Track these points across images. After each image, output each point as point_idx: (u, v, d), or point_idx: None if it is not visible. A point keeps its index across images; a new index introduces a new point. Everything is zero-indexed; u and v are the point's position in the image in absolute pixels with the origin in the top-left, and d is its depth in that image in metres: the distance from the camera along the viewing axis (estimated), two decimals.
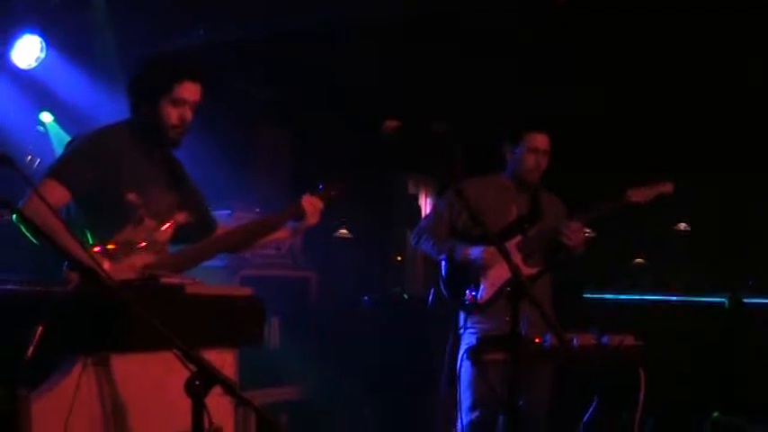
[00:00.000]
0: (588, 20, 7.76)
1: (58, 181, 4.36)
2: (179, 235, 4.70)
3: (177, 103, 4.56)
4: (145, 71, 4.66)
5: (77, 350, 3.40)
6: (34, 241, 4.14)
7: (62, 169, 4.43)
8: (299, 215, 4.88)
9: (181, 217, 4.68)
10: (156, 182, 4.62)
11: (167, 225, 4.61)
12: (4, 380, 3.25)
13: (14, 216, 3.78)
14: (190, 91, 4.59)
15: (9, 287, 3.78)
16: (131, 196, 4.47)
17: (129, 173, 4.51)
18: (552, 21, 7.72)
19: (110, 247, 4.36)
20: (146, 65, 4.69)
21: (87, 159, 4.47)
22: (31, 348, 3.29)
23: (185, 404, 2.98)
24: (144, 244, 4.49)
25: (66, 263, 3.64)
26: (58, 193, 4.33)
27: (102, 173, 4.44)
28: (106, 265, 4.15)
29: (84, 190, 4.41)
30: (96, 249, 4.27)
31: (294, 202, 4.88)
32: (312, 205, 4.88)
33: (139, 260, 4.41)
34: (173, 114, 4.57)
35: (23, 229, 4.10)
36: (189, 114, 4.61)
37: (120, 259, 4.34)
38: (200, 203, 4.90)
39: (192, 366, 2.97)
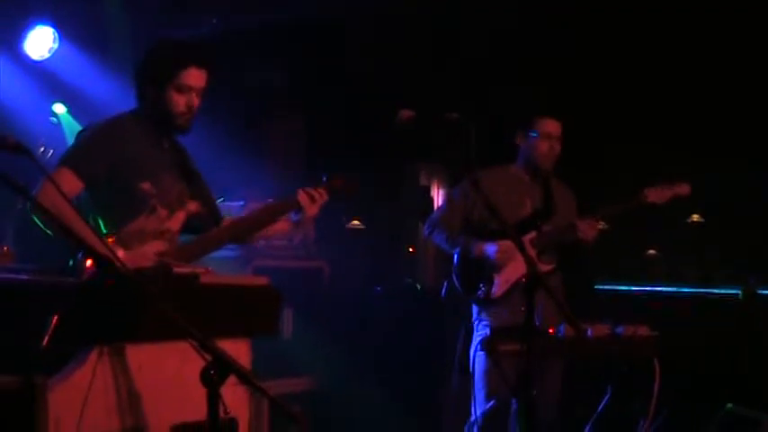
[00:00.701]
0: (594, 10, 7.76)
1: (70, 170, 4.37)
2: (189, 224, 4.71)
3: (183, 89, 4.56)
4: (149, 57, 4.65)
5: (93, 340, 3.40)
6: (47, 231, 4.17)
7: (74, 158, 4.45)
8: (296, 207, 4.85)
9: (192, 206, 4.69)
10: (166, 171, 4.63)
11: (180, 214, 4.62)
12: (20, 369, 3.26)
13: (29, 205, 3.80)
14: (195, 77, 4.58)
15: (24, 277, 3.78)
16: (145, 185, 4.47)
17: (141, 162, 4.52)
18: (558, 19, 7.72)
19: (123, 235, 4.37)
20: (150, 51, 4.68)
21: (99, 148, 4.48)
22: (46, 338, 3.30)
23: (200, 393, 2.98)
24: (157, 232, 4.50)
25: (80, 252, 3.63)
26: (70, 182, 4.34)
27: (114, 162, 4.45)
28: (120, 252, 4.16)
29: (97, 179, 4.42)
30: (110, 239, 4.28)
31: (288, 197, 4.86)
32: (310, 197, 4.83)
33: (152, 248, 4.43)
34: (180, 101, 4.57)
35: (36, 219, 4.13)
36: (196, 101, 4.61)
37: (134, 247, 4.35)
38: (208, 194, 4.90)
39: (207, 356, 2.97)
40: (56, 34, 7.82)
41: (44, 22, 7.75)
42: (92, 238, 3.79)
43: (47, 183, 4.07)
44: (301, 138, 10.23)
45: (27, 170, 3.95)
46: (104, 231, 4.39)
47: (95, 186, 4.45)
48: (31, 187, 4.09)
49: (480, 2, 7.88)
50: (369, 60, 8.84)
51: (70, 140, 8.12)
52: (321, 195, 4.88)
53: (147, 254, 4.36)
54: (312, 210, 4.85)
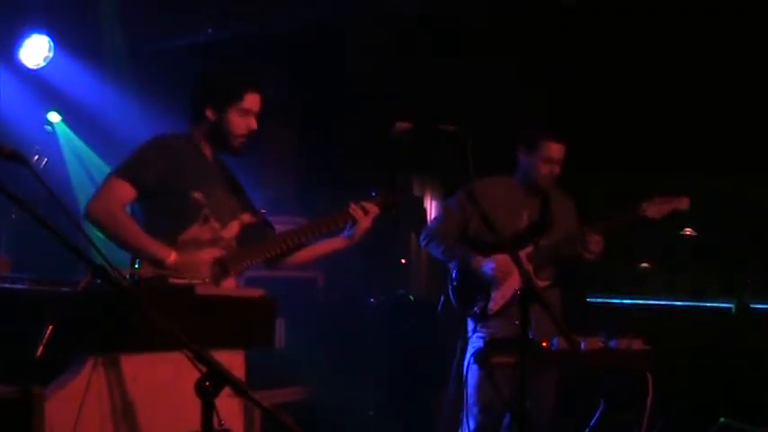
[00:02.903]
0: (593, 20, 7.76)
1: (124, 179, 4.46)
2: (244, 235, 4.79)
3: (245, 112, 4.67)
4: (213, 80, 4.77)
5: (88, 349, 3.40)
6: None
7: (128, 168, 4.54)
8: (348, 221, 4.94)
9: (246, 217, 4.80)
10: (218, 185, 4.74)
11: (233, 224, 4.72)
12: (16, 378, 3.25)
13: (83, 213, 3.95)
14: (256, 101, 4.72)
15: (19, 286, 3.78)
16: (197, 195, 4.57)
17: (194, 173, 4.64)
18: (557, 23, 7.72)
19: (179, 243, 4.48)
20: (212, 74, 4.81)
21: (152, 159, 4.58)
22: (41, 347, 3.30)
23: (195, 404, 2.98)
24: (212, 241, 4.60)
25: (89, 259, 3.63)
26: (123, 192, 4.47)
27: (167, 172, 4.55)
28: (173, 256, 4.26)
29: (150, 188, 4.51)
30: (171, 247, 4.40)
31: (340, 210, 4.94)
32: (362, 209, 4.93)
33: (208, 255, 4.54)
34: (240, 124, 4.69)
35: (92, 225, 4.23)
36: (254, 124, 4.73)
37: (190, 253, 4.40)
38: (256, 209, 4.95)
39: (202, 367, 2.97)
40: (51, 43, 7.83)
41: (39, 31, 7.76)
42: (147, 242, 3.97)
43: (101, 192, 4.37)
44: (295, 149, 10.23)
45: (23, 178, 3.97)
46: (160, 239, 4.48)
47: (148, 195, 4.54)
48: (28, 195, 4.11)
49: (477, 14, 7.88)
50: (363, 71, 8.84)
51: (65, 149, 8.17)
52: (372, 209, 4.91)
53: (202, 260, 4.49)
54: (366, 222, 4.94)
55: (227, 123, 4.66)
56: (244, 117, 4.67)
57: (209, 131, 4.71)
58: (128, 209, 4.54)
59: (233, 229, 4.72)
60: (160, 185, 4.51)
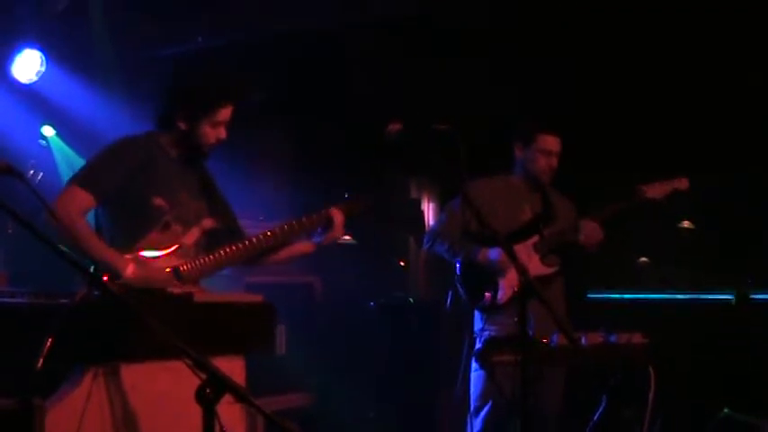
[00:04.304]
0: (589, 18, 7.77)
1: (82, 187, 4.43)
2: (208, 241, 4.74)
3: (216, 124, 4.66)
4: (187, 91, 4.73)
5: (88, 360, 3.41)
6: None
7: (87, 176, 4.53)
8: (328, 224, 4.91)
9: (208, 222, 4.73)
10: (185, 188, 4.71)
11: (194, 230, 4.65)
12: (17, 390, 3.25)
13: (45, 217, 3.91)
14: (228, 113, 4.71)
15: (18, 300, 3.78)
16: (158, 201, 4.54)
17: (155, 178, 4.61)
18: (554, 21, 7.73)
19: (137, 251, 4.39)
20: (186, 85, 4.78)
21: (110, 165, 4.57)
22: (40, 359, 3.30)
23: (196, 412, 2.98)
24: (172, 248, 4.52)
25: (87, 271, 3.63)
26: (82, 200, 4.44)
27: (126, 178, 4.53)
28: (130, 268, 4.21)
29: (110, 195, 4.48)
30: (128, 256, 4.31)
31: (321, 210, 4.90)
32: (339, 216, 4.91)
33: (165, 263, 4.47)
34: (211, 135, 4.70)
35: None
36: (224, 134, 4.73)
37: (147, 263, 4.38)
38: (228, 211, 4.93)
39: (202, 374, 2.97)
40: (43, 58, 7.83)
41: (31, 46, 7.76)
42: (103, 253, 3.91)
43: (60, 200, 4.26)
44: (290, 153, 10.23)
45: (18, 193, 3.97)
46: (119, 246, 4.43)
47: (108, 202, 4.52)
48: (23, 208, 4.11)
49: (472, 15, 7.90)
50: (358, 74, 8.85)
51: (60, 162, 8.16)
52: (345, 212, 4.96)
53: (161, 269, 4.43)
54: (340, 230, 4.93)
55: (198, 134, 4.66)
56: (215, 128, 4.67)
57: (178, 139, 4.69)
58: (89, 215, 4.51)
59: (193, 235, 4.65)
60: (120, 192, 4.50)
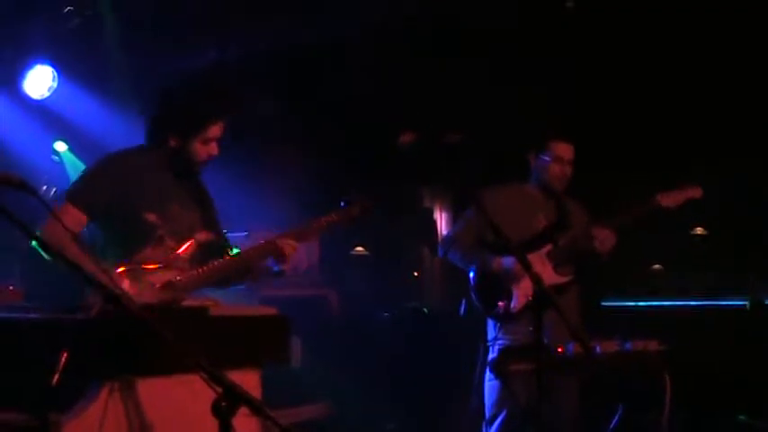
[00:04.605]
0: (595, 22, 7.78)
1: (73, 204, 4.42)
2: (201, 254, 4.71)
3: (207, 141, 4.64)
4: (176, 108, 4.70)
5: (103, 375, 3.41)
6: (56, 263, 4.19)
7: (76, 193, 4.51)
8: (276, 254, 4.74)
9: (201, 236, 4.70)
10: (177, 202, 4.68)
11: (187, 244, 4.63)
12: (33, 406, 3.26)
13: (33, 242, 3.82)
14: (220, 129, 4.68)
15: (33, 315, 3.79)
16: (150, 216, 4.52)
17: (148, 193, 4.58)
18: (559, 24, 7.73)
19: (130, 266, 4.39)
20: (176, 102, 4.72)
21: (102, 181, 4.55)
22: (56, 375, 3.30)
23: (213, 425, 2.98)
24: (164, 263, 4.51)
25: (89, 288, 3.63)
26: (74, 217, 4.40)
27: (118, 193, 4.51)
28: (125, 284, 4.20)
29: (101, 211, 4.48)
30: (119, 270, 4.30)
31: (269, 241, 4.77)
32: (292, 248, 4.73)
33: (159, 279, 4.45)
34: (202, 152, 4.67)
35: (43, 254, 4.14)
36: (216, 150, 4.70)
37: (140, 279, 4.37)
38: (217, 223, 4.91)
39: (217, 388, 2.97)
40: (55, 73, 7.85)
41: (43, 62, 7.78)
42: (96, 273, 3.84)
43: (50, 219, 4.10)
44: (302, 166, 10.24)
45: (32, 209, 3.98)
46: (113, 262, 4.41)
47: (100, 218, 4.51)
48: (36, 224, 4.11)
49: (478, 23, 7.90)
50: (367, 86, 8.85)
51: (72, 178, 8.18)
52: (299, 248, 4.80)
53: (153, 284, 4.40)
54: (296, 263, 4.77)
55: (189, 152, 4.64)
56: (206, 145, 4.64)
57: (169, 155, 4.67)
58: (84, 231, 4.49)
59: (187, 249, 4.63)
60: (112, 208, 4.49)
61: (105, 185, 4.53)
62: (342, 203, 4.99)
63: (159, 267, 4.49)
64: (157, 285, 4.41)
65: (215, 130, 4.65)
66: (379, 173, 8.98)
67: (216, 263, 4.69)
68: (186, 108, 4.67)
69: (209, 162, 4.72)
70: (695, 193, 5.95)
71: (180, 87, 4.85)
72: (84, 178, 4.61)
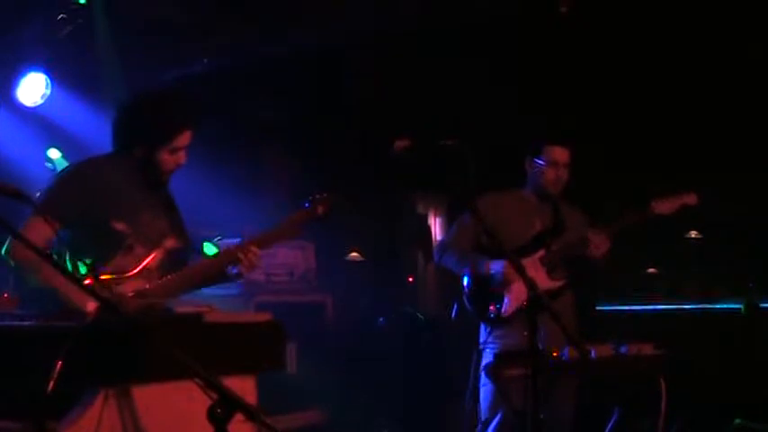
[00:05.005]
0: (591, 25, 7.79)
1: (44, 218, 4.36)
2: (171, 261, 4.69)
3: (175, 150, 4.60)
4: (141, 118, 4.65)
5: (99, 382, 3.40)
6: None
7: (48, 206, 4.44)
8: (232, 261, 4.73)
9: (170, 242, 4.68)
10: (147, 209, 4.66)
11: (157, 251, 4.62)
12: (29, 414, 3.25)
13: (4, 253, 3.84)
14: (187, 138, 4.64)
15: (27, 323, 3.78)
16: (119, 225, 4.50)
17: (116, 202, 4.55)
18: (555, 25, 7.74)
19: (102, 276, 4.36)
20: (141, 111, 4.67)
21: (70, 191, 4.53)
22: (51, 382, 3.30)
23: None
24: (135, 271, 4.49)
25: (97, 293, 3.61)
26: (43, 230, 4.31)
27: (86, 203, 4.49)
28: (91, 303, 4.13)
29: (69, 221, 4.44)
30: (87, 281, 4.26)
31: (228, 251, 4.78)
32: (254, 254, 4.71)
33: (130, 287, 4.43)
34: (170, 161, 4.63)
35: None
36: (184, 158, 4.66)
37: (111, 288, 4.33)
38: (186, 232, 4.88)
39: (213, 394, 2.97)
40: (48, 80, 7.83)
41: (36, 69, 7.76)
42: (63, 287, 3.88)
43: (23, 232, 4.04)
44: (297, 172, 10.24)
45: (26, 217, 3.98)
46: (83, 272, 4.38)
47: (69, 228, 4.47)
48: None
49: (474, 30, 7.91)
50: (362, 91, 8.86)
51: None
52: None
53: (124, 293, 4.37)
54: (248, 269, 4.74)
55: (156, 162, 4.60)
56: (173, 155, 4.61)
57: (137, 164, 4.63)
58: (53, 243, 4.44)
59: (156, 256, 4.60)
60: (80, 218, 4.45)
61: (74, 194, 4.50)
62: (306, 204, 4.96)
63: (129, 276, 4.47)
64: (128, 293, 4.39)
65: (182, 140, 4.60)
66: (375, 178, 8.99)
67: (185, 270, 4.69)
68: (152, 118, 4.62)
69: (174, 172, 4.68)
70: (690, 199, 5.97)
71: (145, 97, 4.81)
72: (52, 190, 4.55)
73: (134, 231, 4.54)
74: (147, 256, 4.58)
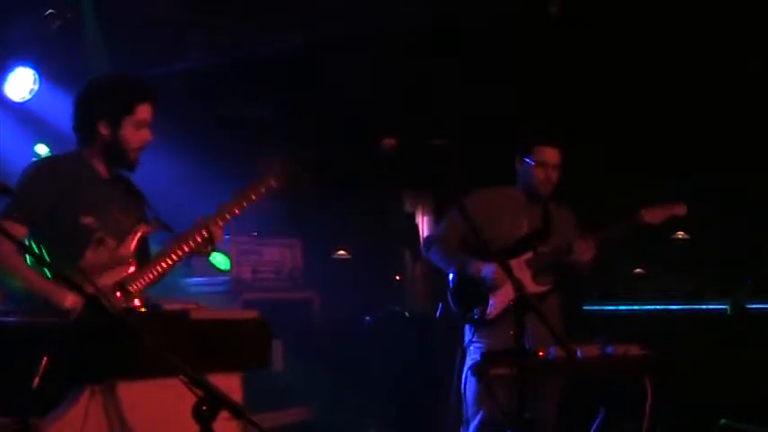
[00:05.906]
0: (584, 28, 7.80)
1: (13, 220, 4.35)
2: (144, 248, 4.67)
3: (139, 125, 4.60)
4: (103, 94, 4.66)
5: (84, 379, 3.40)
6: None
7: (15, 206, 4.42)
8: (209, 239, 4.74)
9: (143, 229, 4.65)
10: (114, 201, 4.65)
11: (130, 239, 4.59)
12: (14, 411, 3.25)
13: None
14: (149, 111, 4.64)
15: (12, 319, 3.78)
16: (87, 219, 4.48)
17: (83, 196, 4.54)
18: (548, 25, 7.74)
19: (81, 272, 4.33)
20: (102, 87, 4.70)
21: (38, 191, 4.50)
22: (36, 379, 3.29)
23: (193, 429, 2.97)
24: (110, 263, 4.48)
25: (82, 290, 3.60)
26: (17, 232, 4.31)
27: (54, 201, 4.47)
28: (70, 298, 4.11)
29: (38, 219, 4.43)
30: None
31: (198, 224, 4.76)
32: (219, 228, 4.77)
33: (107, 280, 4.40)
34: (135, 138, 4.61)
35: None
36: (149, 135, 4.65)
37: (95, 281, 4.31)
38: (155, 217, 4.84)
39: (198, 391, 2.96)
40: (36, 75, 7.81)
41: (24, 64, 7.74)
42: (40, 285, 3.88)
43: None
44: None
45: None
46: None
47: (39, 225, 4.45)
48: None
49: (468, 30, 7.92)
50: (350, 90, 8.85)
51: None
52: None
53: (105, 286, 4.31)
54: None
55: (121, 138, 4.58)
56: (138, 129, 4.60)
57: (103, 148, 4.62)
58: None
59: (130, 245, 4.57)
60: (48, 216, 4.44)
61: (41, 192, 4.49)
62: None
63: (105, 269, 4.45)
64: (108, 286, 4.36)
65: (144, 112, 4.60)
66: (362, 177, 8.99)
67: (161, 251, 4.65)
68: (114, 90, 4.64)
69: (142, 151, 4.66)
70: (680, 210, 5.98)
71: (105, 76, 4.84)
72: (21, 190, 4.48)
73: (103, 224, 4.52)
74: (120, 247, 4.55)
